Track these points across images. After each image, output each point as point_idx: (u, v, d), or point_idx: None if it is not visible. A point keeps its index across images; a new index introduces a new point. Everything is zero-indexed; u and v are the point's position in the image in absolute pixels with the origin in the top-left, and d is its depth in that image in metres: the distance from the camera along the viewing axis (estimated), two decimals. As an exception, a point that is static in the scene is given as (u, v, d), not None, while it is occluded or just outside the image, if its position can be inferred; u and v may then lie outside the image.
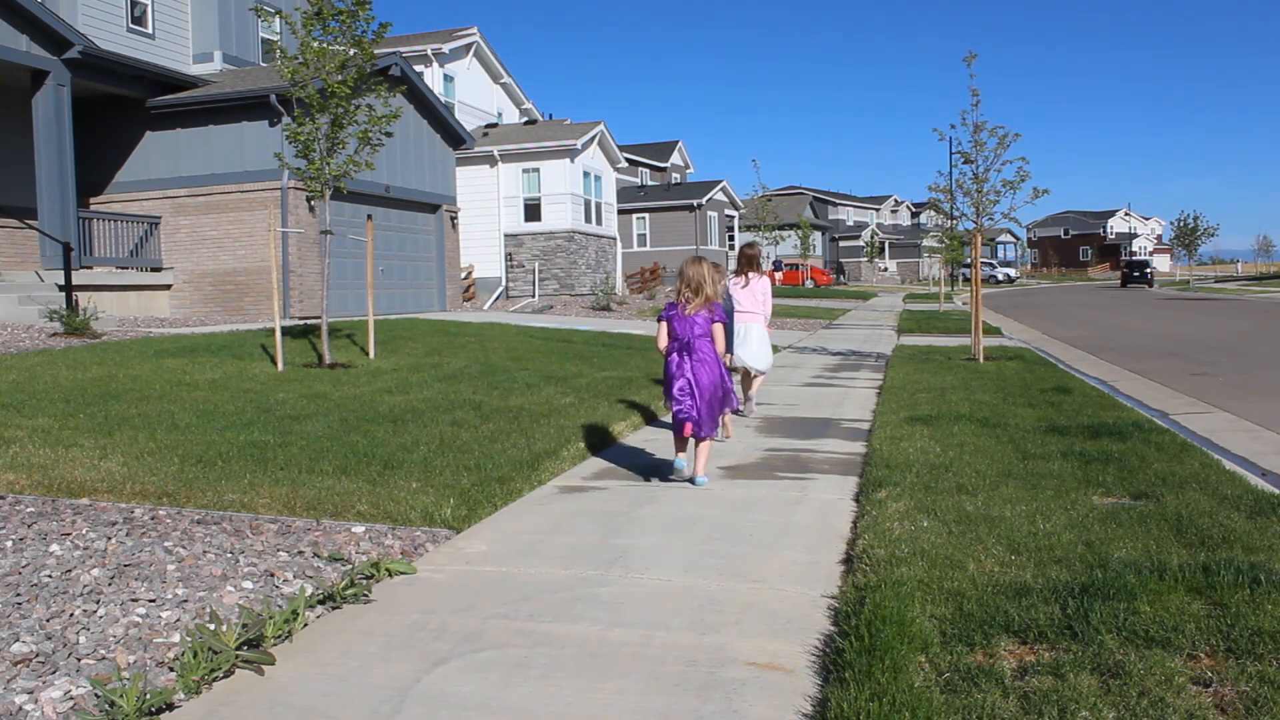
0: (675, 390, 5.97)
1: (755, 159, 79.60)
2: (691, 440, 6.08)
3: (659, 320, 6.19)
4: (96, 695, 2.91)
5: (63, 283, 14.58)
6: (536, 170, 29.97)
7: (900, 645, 3.08)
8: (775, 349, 10.91)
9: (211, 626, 3.37)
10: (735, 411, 7.52)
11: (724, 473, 6.35)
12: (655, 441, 7.56)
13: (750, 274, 8.87)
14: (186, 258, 18.52)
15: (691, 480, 6.04)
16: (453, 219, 23.62)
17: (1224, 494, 5.19)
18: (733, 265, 8.55)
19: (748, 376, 8.96)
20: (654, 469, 6.46)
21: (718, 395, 6.03)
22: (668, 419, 7.02)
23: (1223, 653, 3.12)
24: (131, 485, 5.38)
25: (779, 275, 51.62)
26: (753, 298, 8.82)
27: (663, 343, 6.11)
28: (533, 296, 29.58)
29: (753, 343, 8.77)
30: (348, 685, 3.09)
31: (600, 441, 7.36)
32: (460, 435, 7.16)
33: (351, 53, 11.05)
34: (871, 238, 71.92)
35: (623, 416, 8.27)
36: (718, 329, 6.04)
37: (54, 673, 3.07)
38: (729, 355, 7.81)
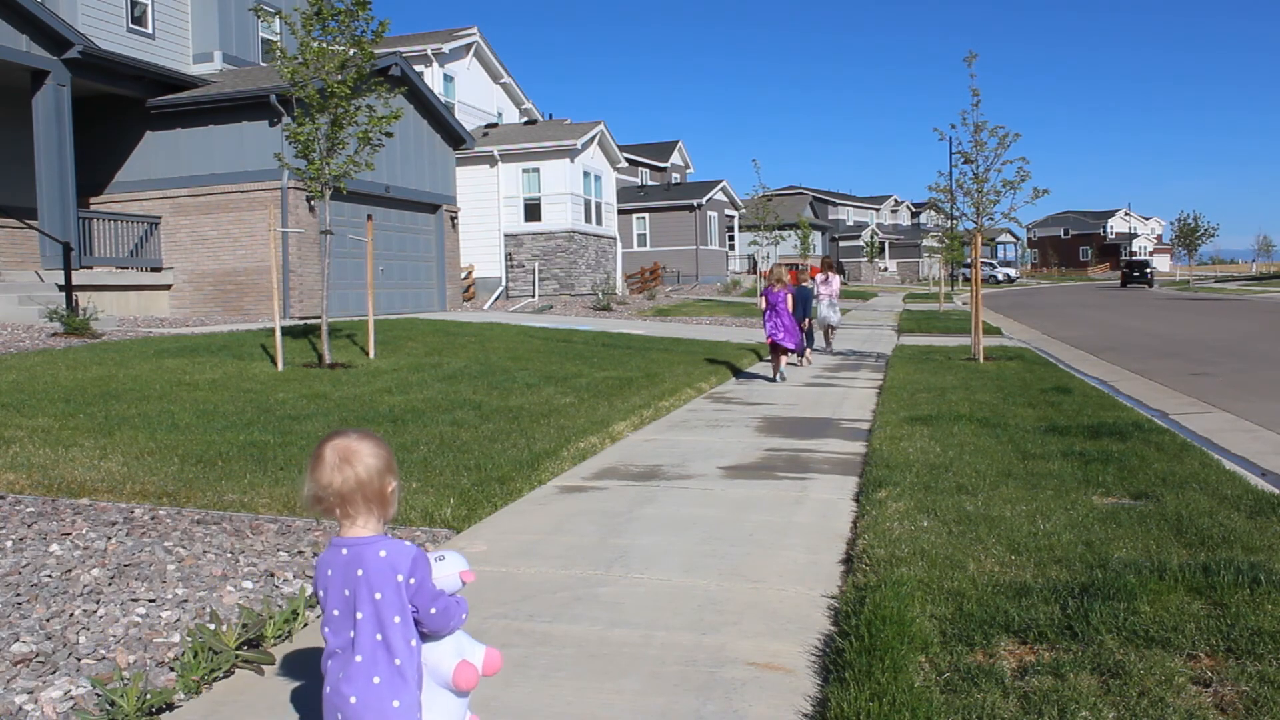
0: (769, 327, 11.51)
1: (755, 159, 79.35)
2: (780, 360, 11.62)
3: (760, 295, 12.06)
4: (97, 695, 2.91)
5: (63, 283, 14.58)
6: (536, 170, 29.97)
7: (900, 645, 3.08)
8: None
9: (211, 626, 3.37)
10: (815, 350, 15.12)
11: (724, 472, 6.35)
12: (655, 441, 7.56)
13: (829, 273, 16.82)
14: (186, 258, 18.52)
15: (774, 380, 11.39)
16: (453, 219, 23.63)
17: (1224, 494, 5.19)
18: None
19: (828, 331, 16.52)
20: (650, 472, 6.46)
21: (793, 327, 11.50)
22: (667, 417, 7.97)
23: (1223, 653, 3.12)
24: (131, 485, 5.39)
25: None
26: (829, 285, 16.52)
27: (763, 305, 11.71)
28: (533, 296, 29.58)
29: (830, 308, 16.43)
30: (348, 685, 3.09)
31: (600, 441, 7.36)
32: (460, 435, 7.16)
33: (351, 53, 11.05)
34: (871, 238, 71.81)
35: (622, 416, 8.27)
36: (789, 298, 11.58)
37: (54, 673, 3.07)
38: (808, 319, 14.09)
